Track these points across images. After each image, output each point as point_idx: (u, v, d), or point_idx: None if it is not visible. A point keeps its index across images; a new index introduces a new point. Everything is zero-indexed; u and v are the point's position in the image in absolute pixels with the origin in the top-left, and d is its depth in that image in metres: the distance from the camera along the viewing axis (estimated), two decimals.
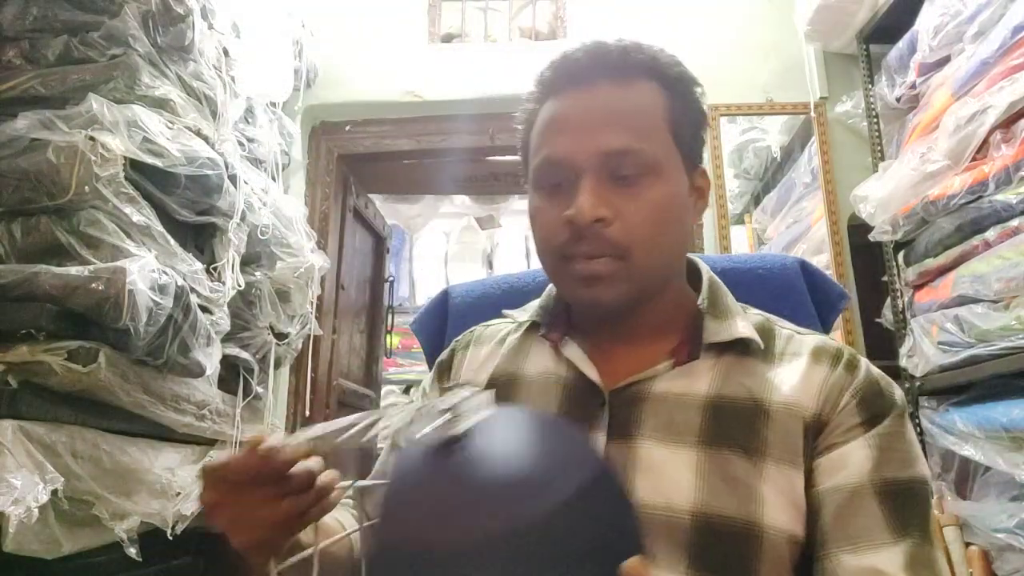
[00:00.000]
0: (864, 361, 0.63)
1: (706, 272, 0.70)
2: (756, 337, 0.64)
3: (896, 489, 0.56)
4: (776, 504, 0.56)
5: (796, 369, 0.62)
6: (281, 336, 1.93)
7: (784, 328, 0.68)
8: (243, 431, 1.72)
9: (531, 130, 0.68)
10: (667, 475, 0.57)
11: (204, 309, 1.43)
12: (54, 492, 1.04)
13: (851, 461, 0.57)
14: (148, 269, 1.20)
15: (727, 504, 0.56)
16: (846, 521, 0.55)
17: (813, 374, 0.61)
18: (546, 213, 0.64)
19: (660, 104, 0.64)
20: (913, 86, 1.75)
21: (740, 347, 0.64)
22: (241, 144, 1.72)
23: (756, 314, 0.69)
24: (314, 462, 0.51)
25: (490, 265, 4.28)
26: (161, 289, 1.22)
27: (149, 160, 1.28)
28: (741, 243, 2.41)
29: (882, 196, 1.72)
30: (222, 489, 0.50)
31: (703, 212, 0.70)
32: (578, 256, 0.61)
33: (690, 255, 0.72)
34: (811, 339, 0.66)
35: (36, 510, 0.97)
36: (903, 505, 0.55)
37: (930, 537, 0.54)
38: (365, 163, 2.54)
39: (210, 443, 1.63)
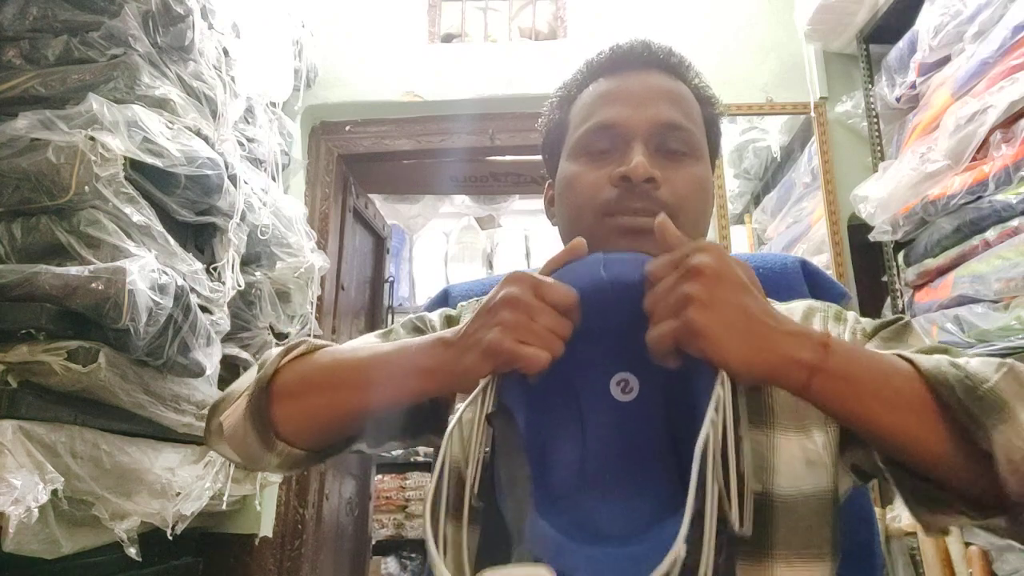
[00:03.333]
0: (850, 312, 0.69)
1: None
2: None
3: (893, 330, 0.62)
4: (787, 472, 0.58)
5: None
6: (281, 336, 1.93)
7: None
8: None
9: (572, 105, 0.73)
10: None
11: (204, 309, 1.42)
12: (54, 492, 1.04)
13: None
14: (148, 269, 1.19)
15: None
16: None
17: None
18: (590, 175, 0.67)
19: (697, 106, 0.71)
20: (913, 86, 1.75)
21: None
22: (241, 144, 1.72)
23: None
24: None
25: (490, 265, 4.28)
26: (161, 289, 1.22)
27: (149, 160, 1.28)
28: (741, 243, 2.41)
29: (882, 196, 1.72)
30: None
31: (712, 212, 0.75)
32: (624, 212, 0.64)
33: None
34: (798, 306, 0.70)
35: (36, 510, 0.97)
36: (902, 334, 0.62)
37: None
38: (365, 163, 2.54)
39: None
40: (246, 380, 0.67)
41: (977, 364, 0.49)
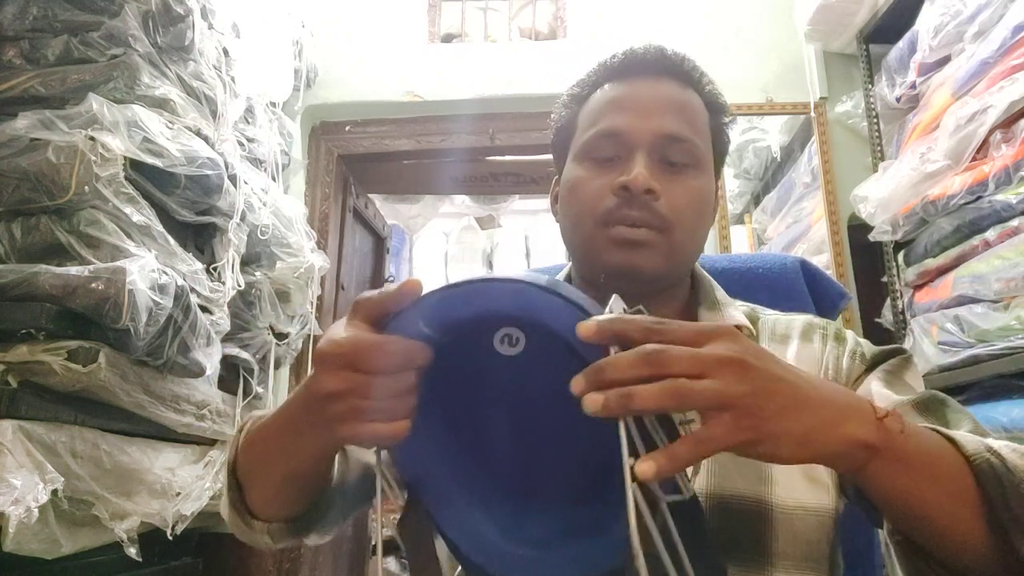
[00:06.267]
0: (849, 332, 0.68)
1: (697, 269, 0.75)
2: (748, 324, 0.68)
3: (926, 400, 0.57)
4: (786, 483, 0.59)
5: (790, 351, 0.66)
6: (281, 336, 1.93)
7: (768, 314, 0.72)
8: None
9: (581, 107, 0.72)
10: None
11: (204, 309, 1.42)
12: (54, 492, 1.04)
13: (873, 392, 0.59)
14: (148, 269, 1.19)
15: (739, 484, 0.58)
16: None
17: (806, 352, 0.66)
18: (592, 181, 0.67)
19: (706, 115, 0.70)
20: (913, 86, 1.75)
21: None
22: (241, 144, 1.72)
23: (742, 305, 0.73)
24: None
25: (490, 265, 4.28)
26: (161, 289, 1.22)
27: (149, 160, 1.28)
28: (741, 243, 2.41)
29: (882, 196, 1.72)
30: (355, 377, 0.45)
31: (714, 219, 0.75)
32: (622, 222, 0.64)
33: None
34: (797, 320, 0.70)
35: (36, 510, 0.97)
36: (940, 409, 0.56)
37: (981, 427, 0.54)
38: (365, 163, 2.54)
39: (210, 443, 1.63)
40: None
41: (1013, 456, 0.46)
